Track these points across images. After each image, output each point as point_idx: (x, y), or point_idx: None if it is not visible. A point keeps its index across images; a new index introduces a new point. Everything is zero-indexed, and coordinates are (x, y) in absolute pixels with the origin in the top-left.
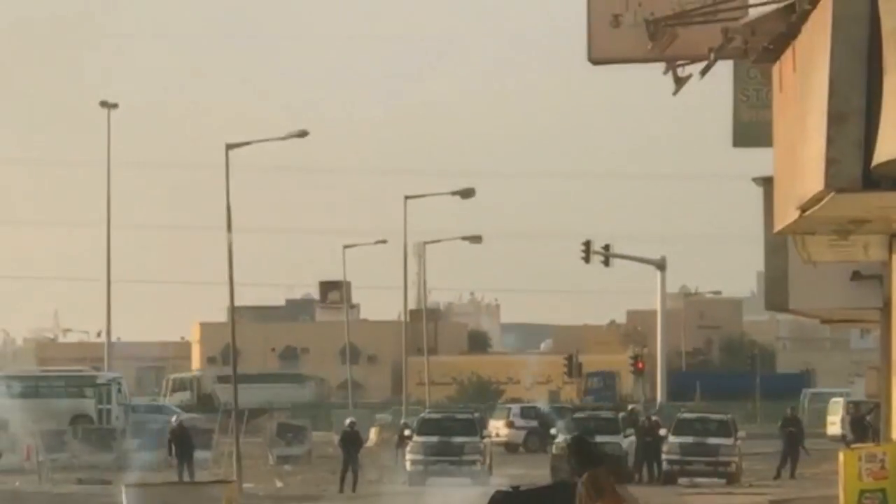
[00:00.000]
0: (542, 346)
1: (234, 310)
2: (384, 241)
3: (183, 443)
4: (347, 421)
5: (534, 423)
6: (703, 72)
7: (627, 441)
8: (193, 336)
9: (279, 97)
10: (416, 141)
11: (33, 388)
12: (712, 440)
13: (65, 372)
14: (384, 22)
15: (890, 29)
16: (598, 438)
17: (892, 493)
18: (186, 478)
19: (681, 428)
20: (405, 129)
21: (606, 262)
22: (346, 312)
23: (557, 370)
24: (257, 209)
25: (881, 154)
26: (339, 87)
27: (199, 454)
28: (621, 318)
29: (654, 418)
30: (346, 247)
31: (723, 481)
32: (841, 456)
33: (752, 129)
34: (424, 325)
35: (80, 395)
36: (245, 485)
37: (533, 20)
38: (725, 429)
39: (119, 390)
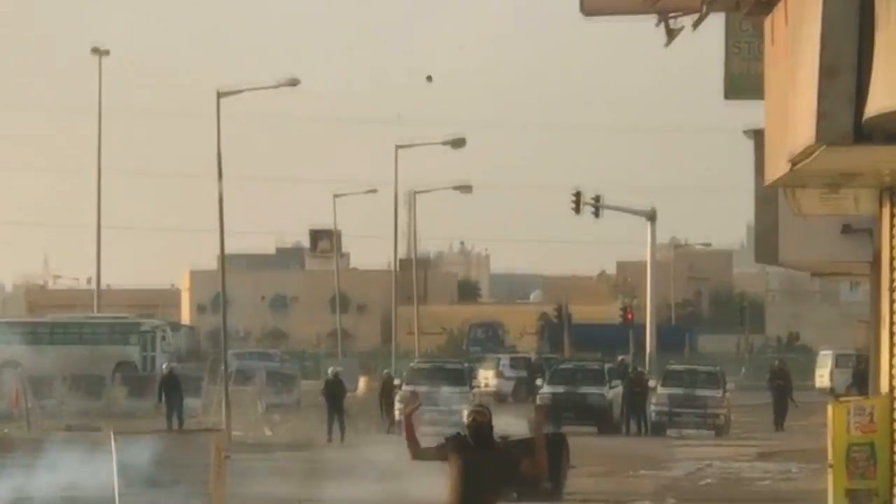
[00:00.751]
0: (532, 296)
1: (224, 258)
2: (375, 191)
3: (173, 391)
4: (331, 370)
5: (523, 374)
6: (696, 24)
7: (613, 392)
8: (183, 283)
9: (271, 46)
10: (408, 91)
11: (76, 335)
12: (701, 392)
13: (109, 318)
14: None
15: None
16: (583, 389)
17: (881, 446)
18: (175, 426)
19: (669, 379)
20: (396, 79)
21: (597, 213)
22: (336, 261)
23: (548, 321)
24: (248, 158)
25: (872, 108)
26: (330, 36)
27: (188, 402)
28: (611, 269)
29: (640, 370)
30: (336, 196)
31: (711, 433)
32: (830, 409)
33: (743, 81)
34: (414, 275)
35: (124, 343)
36: (234, 433)
37: None
38: (714, 381)
39: (163, 338)
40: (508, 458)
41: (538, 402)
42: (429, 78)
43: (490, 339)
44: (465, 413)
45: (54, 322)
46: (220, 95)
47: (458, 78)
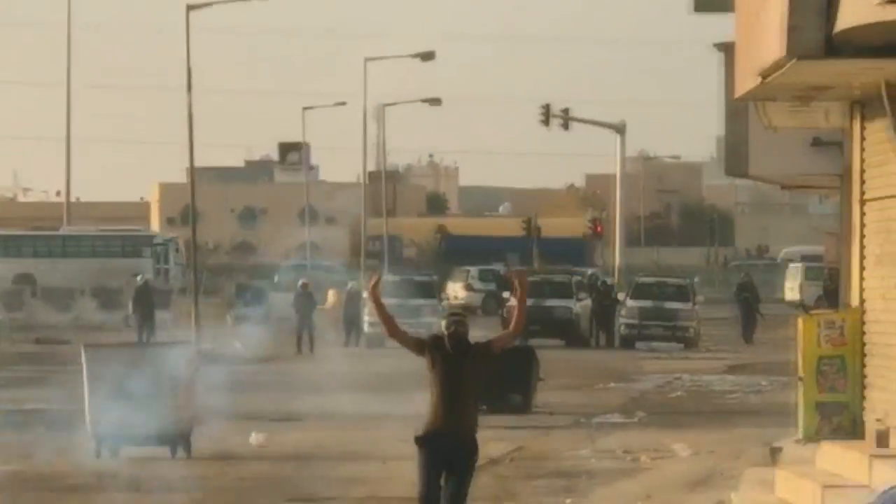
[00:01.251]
0: (501, 209)
1: (193, 170)
2: (343, 103)
3: (145, 303)
4: (300, 282)
5: (492, 286)
6: None
7: (581, 305)
8: (153, 196)
9: None
10: (377, 3)
11: (90, 248)
12: (670, 304)
13: (122, 232)
14: None
15: None
16: (550, 302)
17: (851, 359)
18: (145, 338)
19: (639, 292)
20: None
21: (566, 126)
22: (305, 174)
23: (516, 233)
24: (218, 71)
25: (843, 21)
26: None
27: (158, 315)
28: (580, 182)
29: (608, 282)
30: (305, 108)
31: (681, 346)
32: (800, 323)
33: None
34: (384, 187)
35: (137, 255)
36: (203, 346)
37: None
38: (684, 293)
39: (176, 250)
40: (484, 353)
41: (504, 314)
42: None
43: (390, 251)
44: (445, 321)
45: (67, 235)
46: (189, 8)
47: None
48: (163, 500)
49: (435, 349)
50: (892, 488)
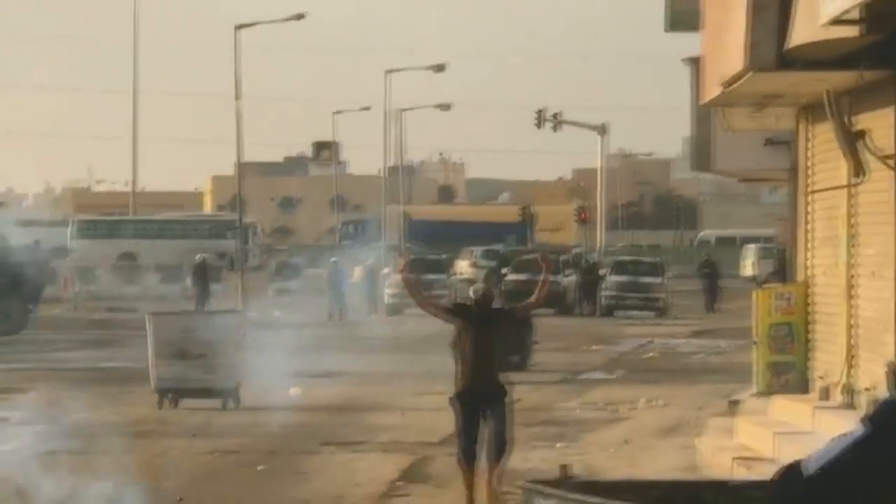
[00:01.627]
0: (500, 198)
1: (240, 165)
2: (368, 108)
3: (201, 278)
4: (332, 259)
5: (493, 264)
6: None
7: (567, 280)
8: (206, 187)
9: None
10: (396, 23)
11: (181, 230)
12: (645, 279)
13: (208, 217)
14: None
15: None
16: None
17: (798, 326)
18: (202, 307)
19: (617, 268)
20: (387, 12)
21: (556, 128)
22: (335, 168)
23: (514, 219)
24: (262, 81)
25: (794, 39)
26: None
27: (213, 287)
28: (569, 175)
29: (593, 260)
30: (335, 112)
31: (653, 314)
32: (755, 295)
33: (683, 16)
34: (401, 180)
35: (222, 237)
36: (249, 313)
37: None
38: (656, 269)
39: (255, 233)
40: (508, 318)
41: (501, 287)
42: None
43: (361, 232)
44: (474, 288)
45: (164, 219)
46: (237, 27)
47: (440, 11)
48: (216, 444)
49: (463, 315)
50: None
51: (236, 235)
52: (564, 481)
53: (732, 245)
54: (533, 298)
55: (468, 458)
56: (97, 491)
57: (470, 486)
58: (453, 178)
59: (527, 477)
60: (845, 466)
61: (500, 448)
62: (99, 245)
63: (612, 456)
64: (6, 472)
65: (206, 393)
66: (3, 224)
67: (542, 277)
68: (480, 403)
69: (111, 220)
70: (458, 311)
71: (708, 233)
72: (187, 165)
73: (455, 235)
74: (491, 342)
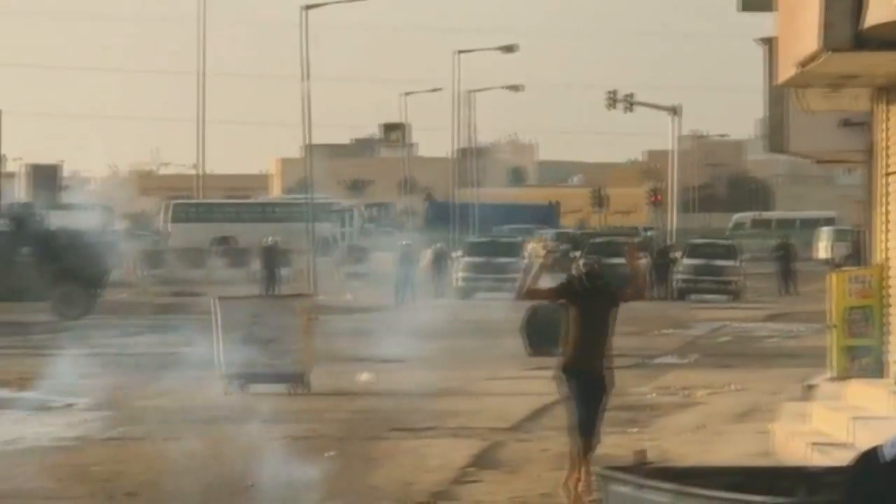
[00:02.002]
0: (572, 180)
1: (310, 146)
2: (439, 89)
3: (271, 261)
4: (403, 243)
5: (566, 246)
6: None
7: (640, 263)
8: (273, 169)
9: None
10: (467, 4)
11: (286, 213)
12: (719, 262)
13: (310, 199)
14: None
15: None
16: (613, 260)
17: (875, 309)
18: (271, 291)
19: (692, 252)
20: None
21: (628, 109)
22: (405, 150)
23: (586, 201)
24: (330, 61)
25: (870, 19)
26: None
27: (283, 271)
28: (640, 157)
29: (667, 244)
30: (405, 94)
31: (727, 298)
32: (831, 278)
33: None
34: (472, 162)
35: (326, 220)
36: (319, 297)
37: None
38: (730, 252)
39: (352, 217)
40: (614, 297)
41: (573, 271)
42: None
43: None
44: (577, 265)
45: (264, 202)
46: (305, 8)
47: None
48: (285, 430)
49: (572, 290)
50: None
51: (339, 217)
52: (640, 467)
53: (768, 227)
54: (635, 289)
55: (585, 432)
56: (165, 477)
57: (574, 465)
58: (524, 159)
59: (602, 463)
60: None
61: (592, 444)
62: (196, 228)
63: (686, 441)
64: (75, 460)
65: (275, 378)
66: (68, 208)
67: (631, 268)
68: (586, 383)
69: (207, 202)
70: (566, 286)
71: (743, 215)
72: (254, 148)
73: (482, 218)
74: (600, 318)
